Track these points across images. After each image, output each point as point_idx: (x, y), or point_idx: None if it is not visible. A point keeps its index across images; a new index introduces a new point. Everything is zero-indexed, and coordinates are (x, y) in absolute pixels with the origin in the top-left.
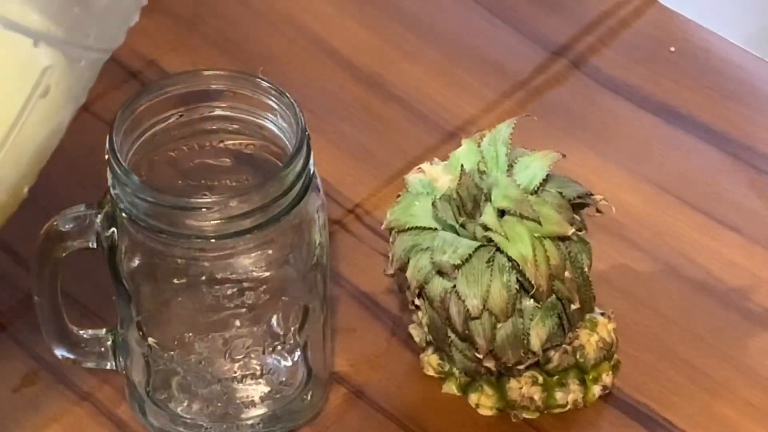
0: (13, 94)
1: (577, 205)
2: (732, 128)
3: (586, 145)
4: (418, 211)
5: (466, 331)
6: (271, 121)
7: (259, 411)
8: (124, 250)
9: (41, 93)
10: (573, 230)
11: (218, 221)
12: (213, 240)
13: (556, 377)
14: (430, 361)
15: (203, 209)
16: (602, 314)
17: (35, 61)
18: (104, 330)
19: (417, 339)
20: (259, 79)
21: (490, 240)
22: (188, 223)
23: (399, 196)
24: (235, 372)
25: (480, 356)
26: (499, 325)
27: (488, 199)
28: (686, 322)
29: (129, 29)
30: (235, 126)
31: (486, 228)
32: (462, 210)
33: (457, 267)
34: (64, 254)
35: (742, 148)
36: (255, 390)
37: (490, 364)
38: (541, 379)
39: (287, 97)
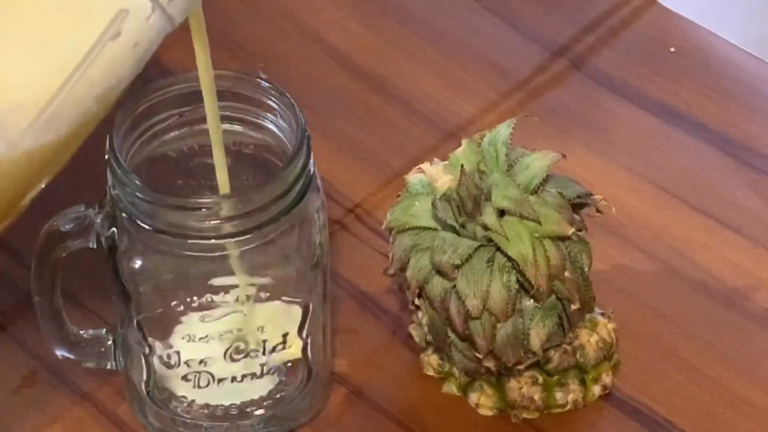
0: (91, 24)
1: (577, 205)
2: (732, 128)
3: (586, 145)
4: (418, 211)
5: (466, 331)
6: (271, 121)
7: (259, 411)
8: (124, 250)
9: (112, 35)
10: (573, 230)
11: (218, 221)
12: (213, 240)
13: (556, 377)
14: (430, 361)
15: (203, 209)
16: (602, 314)
17: None
18: (104, 330)
19: (417, 339)
20: (259, 79)
21: (490, 240)
22: (188, 223)
23: (399, 196)
24: (235, 372)
25: (480, 356)
26: (499, 325)
27: (488, 199)
28: (686, 322)
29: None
30: (235, 126)
31: (486, 228)
32: (462, 210)
33: (457, 267)
34: (64, 254)
35: (742, 148)
36: (255, 390)
37: (490, 364)
38: (541, 379)
39: (287, 97)
